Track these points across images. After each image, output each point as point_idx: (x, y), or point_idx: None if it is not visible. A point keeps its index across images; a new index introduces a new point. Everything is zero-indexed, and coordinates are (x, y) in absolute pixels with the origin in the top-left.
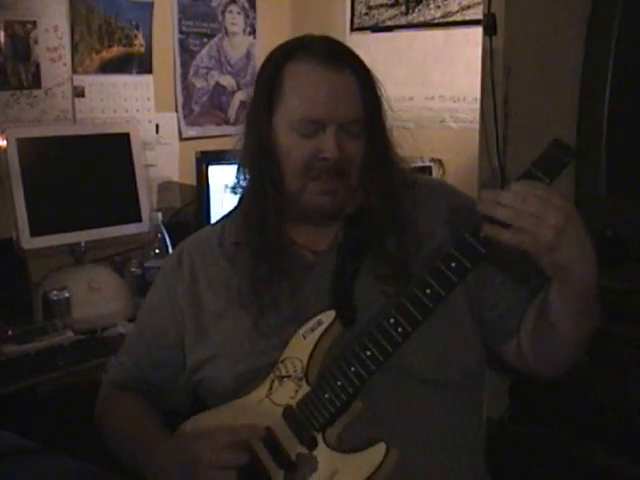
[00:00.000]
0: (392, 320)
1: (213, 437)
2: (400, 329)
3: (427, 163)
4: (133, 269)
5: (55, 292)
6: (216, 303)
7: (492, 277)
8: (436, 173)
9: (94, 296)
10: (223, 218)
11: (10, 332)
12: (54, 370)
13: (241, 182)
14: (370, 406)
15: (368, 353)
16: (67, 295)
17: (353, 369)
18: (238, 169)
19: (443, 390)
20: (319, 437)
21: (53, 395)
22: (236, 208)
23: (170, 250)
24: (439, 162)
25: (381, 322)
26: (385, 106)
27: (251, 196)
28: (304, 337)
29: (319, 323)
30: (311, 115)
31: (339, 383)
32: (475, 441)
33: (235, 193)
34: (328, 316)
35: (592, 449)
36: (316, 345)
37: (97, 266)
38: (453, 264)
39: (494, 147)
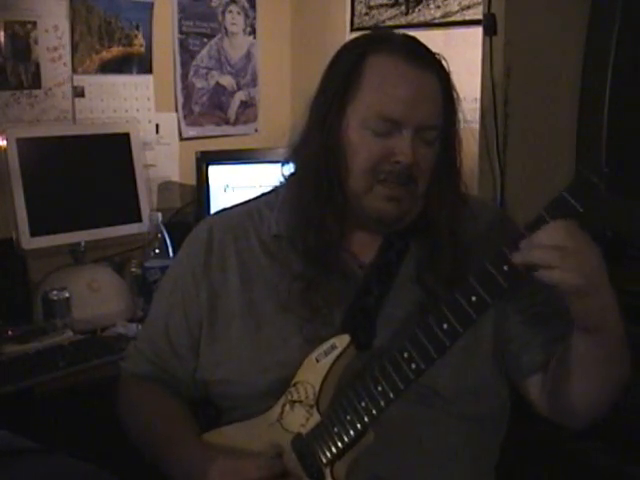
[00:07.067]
0: (406, 354)
1: None
2: (414, 365)
3: None
4: (133, 269)
5: (55, 292)
6: (244, 297)
7: (513, 310)
8: None
9: (94, 296)
10: (251, 201)
11: (10, 332)
12: (54, 370)
13: (290, 173)
14: (383, 438)
15: (379, 388)
16: (67, 295)
17: (363, 404)
18: (292, 159)
19: (468, 421)
20: (327, 471)
21: (53, 395)
22: (272, 194)
23: (170, 250)
24: None
25: (394, 355)
26: (460, 115)
27: (310, 193)
28: (317, 360)
29: (333, 347)
30: (390, 113)
31: (348, 417)
32: (489, 468)
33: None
34: (342, 340)
35: (592, 449)
36: (329, 371)
37: (97, 266)
38: (473, 298)
39: (494, 147)
